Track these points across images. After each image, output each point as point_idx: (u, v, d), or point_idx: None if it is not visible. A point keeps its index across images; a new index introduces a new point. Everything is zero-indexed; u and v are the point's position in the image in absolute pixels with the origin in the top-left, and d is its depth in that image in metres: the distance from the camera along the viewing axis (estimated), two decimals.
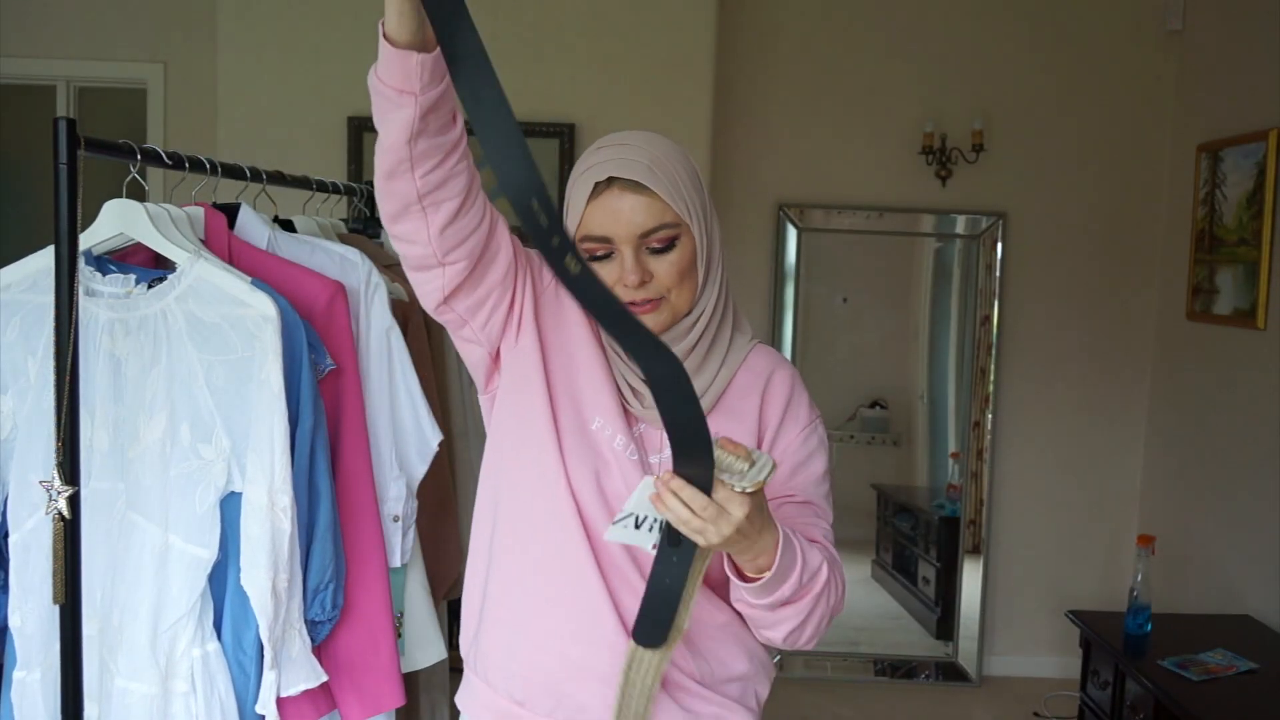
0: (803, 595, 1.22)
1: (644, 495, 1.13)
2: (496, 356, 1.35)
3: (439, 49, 1.04)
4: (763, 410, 1.35)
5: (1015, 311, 4.13)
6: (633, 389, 1.32)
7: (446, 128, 1.15)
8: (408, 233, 1.21)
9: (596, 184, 1.27)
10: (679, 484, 1.08)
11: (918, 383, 4.44)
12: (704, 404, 1.26)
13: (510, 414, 1.35)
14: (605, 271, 1.28)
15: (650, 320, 1.29)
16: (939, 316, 4.33)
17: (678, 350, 1.30)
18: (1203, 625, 3.21)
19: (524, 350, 1.33)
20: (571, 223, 1.29)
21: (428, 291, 1.27)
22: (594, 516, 1.28)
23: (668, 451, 1.22)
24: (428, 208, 1.18)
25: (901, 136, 4.08)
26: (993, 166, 4.06)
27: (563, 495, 1.29)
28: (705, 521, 1.09)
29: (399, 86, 1.09)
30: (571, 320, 1.35)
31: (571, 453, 1.29)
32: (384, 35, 1.07)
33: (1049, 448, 4.18)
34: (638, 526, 1.16)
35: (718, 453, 1.10)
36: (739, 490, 1.09)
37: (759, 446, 1.35)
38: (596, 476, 1.29)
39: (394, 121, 1.12)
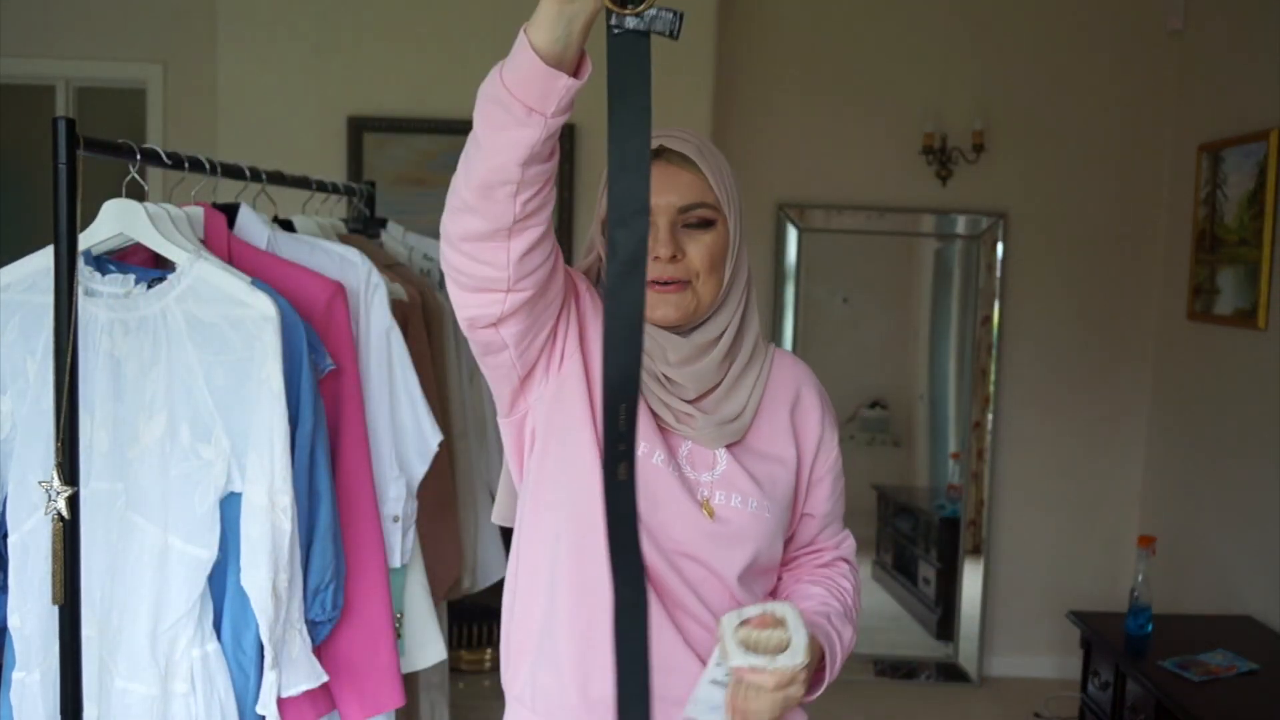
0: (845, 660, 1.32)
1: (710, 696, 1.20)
2: (524, 380, 1.29)
3: (584, 79, 1.01)
4: (797, 431, 1.38)
5: (1015, 311, 4.13)
6: (674, 411, 1.31)
7: (554, 154, 1.08)
8: (485, 254, 1.12)
9: None
10: (753, 691, 1.16)
11: (918, 383, 4.44)
12: (744, 420, 1.33)
13: (559, 450, 1.30)
14: None
15: (674, 302, 1.28)
16: (939, 316, 4.33)
17: (705, 362, 1.31)
18: (1203, 626, 3.21)
19: (567, 377, 1.28)
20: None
21: (481, 314, 1.18)
22: (645, 544, 1.25)
23: (721, 467, 1.31)
24: (515, 234, 1.10)
25: (902, 136, 4.08)
26: (993, 166, 4.06)
27: None
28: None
29: (533, 104, 1.00)
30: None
31: None
32: (530, 46, 0.98)
33: (1049, 448, 4.18)
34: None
35: (749, 633, 1.15)
36: (780, 669, 1.15)
37: (798, 474, 1.38)
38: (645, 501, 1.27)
39: (512, 140, 1.02)
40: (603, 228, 1.29)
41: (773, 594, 1.39)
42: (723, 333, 1.33)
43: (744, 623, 1.18)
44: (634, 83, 0.88)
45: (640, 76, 0.88)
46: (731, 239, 1.31)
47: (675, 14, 0.86)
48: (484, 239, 1.11)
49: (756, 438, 1.35)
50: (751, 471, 1.32)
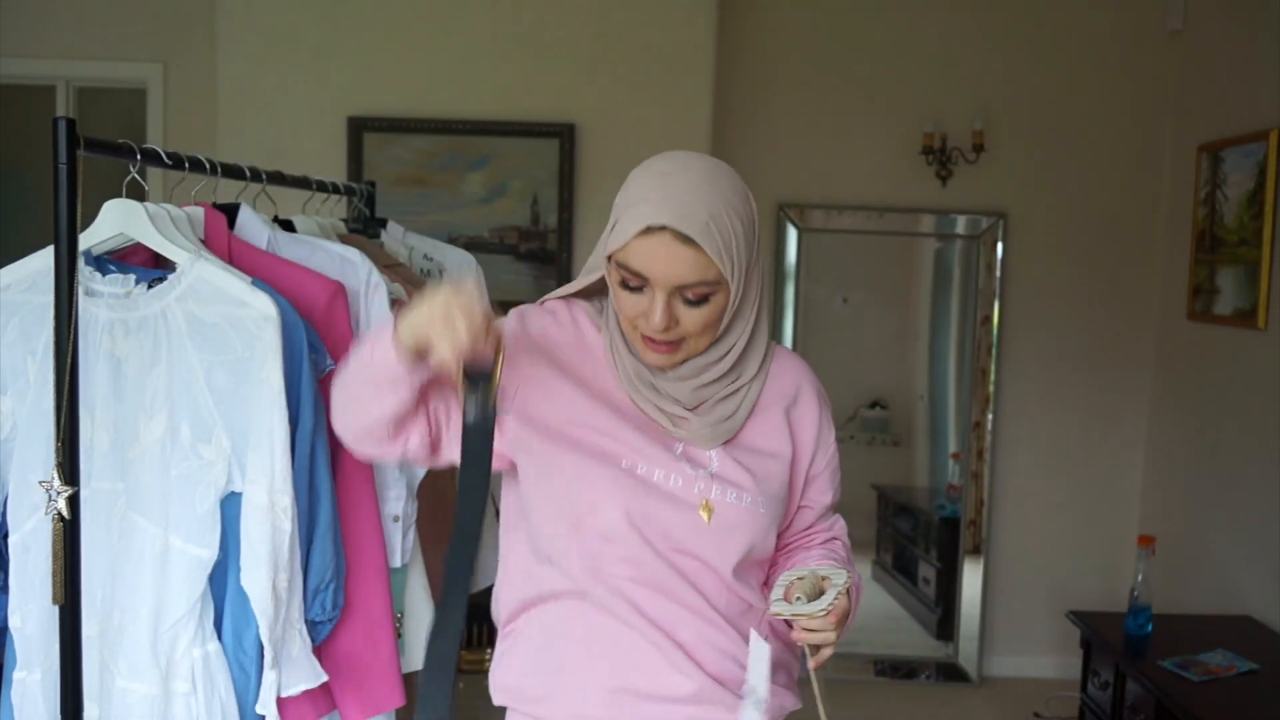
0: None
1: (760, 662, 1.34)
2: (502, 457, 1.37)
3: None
4: (793, 428, 1.40)
5: (1015, 311, 4.13)
6: (668, 415, 1.34)
7: (418, 390, 1.27)
8: (375, 458, 1.38)
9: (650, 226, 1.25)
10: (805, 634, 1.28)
11: (918, 383, 4.44)
12: (737, 419, 1.36)
13: (534, 471, 1.36)
14: (633, 301, 1.28)
15: (663, 358, 1.31)
16: (939, 316, 4.32)
17: (702, 378, 1.34)
18: (1203, 626, 3.21)
19: (511, 441, 1.34)
20: (614, 243, 1.28)
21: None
22: (641, 544, 1.31)
23: (715, 465, 1.35)
24: (394, 444, 1.31)
25: (901, 136, 4.08)
26: (993, 166, 4.06)
27: (590, 549, 1.31)
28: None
29: (393, 384, 1.23)
30: (565, 390, 1.34)
31: (600, 501, 1.31)
32: (393, 340, 1.20)
33: (1049, 448, 4.18)
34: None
35: (798, 595, 1.27)
36: (825, 611, 1.25)
37: (793, 469, 1.41)
38: (628, 513, 1.30)
39: (381, 405, 1.25)
40: (607, 260, 1.31)
41: (766, 581, 1.42)
42: (725, 355, 1.35)
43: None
44: (477, 469, 1.21)
45: (481, 466, 1.21)
46: (732, 299, 1.29)
47: (492, 410, 1.19)
48: (370, 454, 1.36)
49: (750, 435, 1.38)
50: (746, 467, 1.35)
